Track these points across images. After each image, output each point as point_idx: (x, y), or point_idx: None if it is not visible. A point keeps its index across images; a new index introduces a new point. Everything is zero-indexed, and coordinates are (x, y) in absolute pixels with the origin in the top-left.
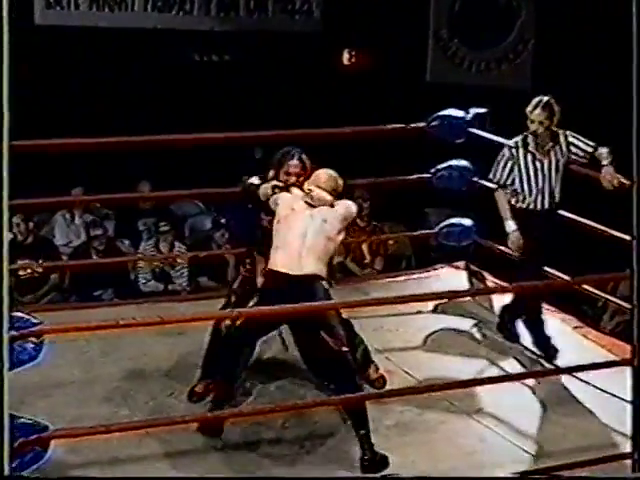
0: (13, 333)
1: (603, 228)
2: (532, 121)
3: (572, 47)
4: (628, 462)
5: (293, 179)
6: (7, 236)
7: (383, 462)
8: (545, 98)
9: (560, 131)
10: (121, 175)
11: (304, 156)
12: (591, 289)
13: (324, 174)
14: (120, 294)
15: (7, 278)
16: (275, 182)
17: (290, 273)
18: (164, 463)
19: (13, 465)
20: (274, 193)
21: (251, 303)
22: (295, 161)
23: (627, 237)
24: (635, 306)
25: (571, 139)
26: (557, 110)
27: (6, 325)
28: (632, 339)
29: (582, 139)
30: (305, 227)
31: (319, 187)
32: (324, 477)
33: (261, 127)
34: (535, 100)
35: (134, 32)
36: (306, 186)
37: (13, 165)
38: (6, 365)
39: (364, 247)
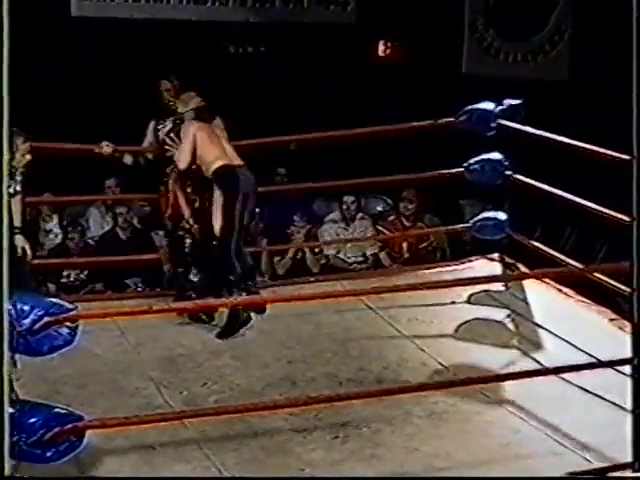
0: (48, 319)
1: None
2: None
3: (610, 38)
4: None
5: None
6: (7, 227)
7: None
8: None
9: None
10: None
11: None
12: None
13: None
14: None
15: (7, 270)
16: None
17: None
18: (199, 452)
19: (49, 454)
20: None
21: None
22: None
23: (626, 218)
24: (635, 289)
25: None
26: None
27: (6, 322)
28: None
29: None
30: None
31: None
32: (322, 477)
33: (296, 118)
34: None
35: (170, 24)
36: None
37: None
38: (6, 365)
39: (404, 245)
